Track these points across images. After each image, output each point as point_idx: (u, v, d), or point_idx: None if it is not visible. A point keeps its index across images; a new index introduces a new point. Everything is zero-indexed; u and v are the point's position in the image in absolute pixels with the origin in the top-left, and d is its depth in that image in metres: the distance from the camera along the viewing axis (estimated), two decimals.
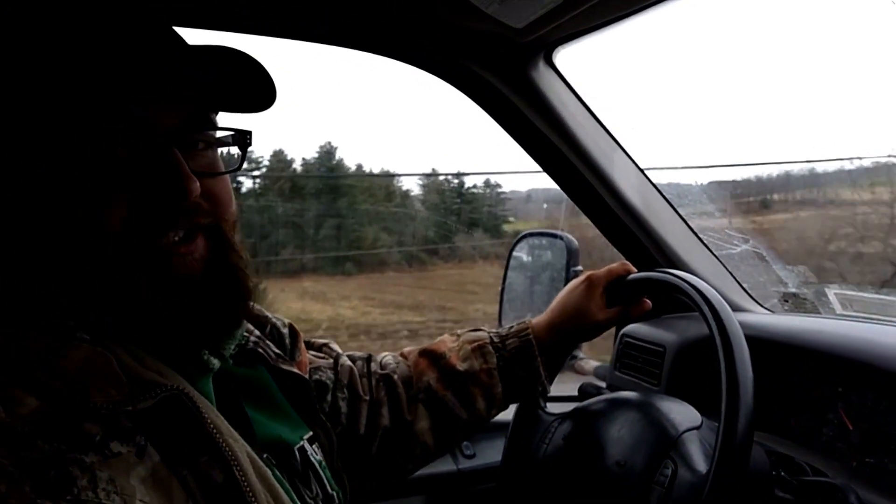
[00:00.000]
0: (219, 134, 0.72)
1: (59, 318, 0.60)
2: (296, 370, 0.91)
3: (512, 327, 1.14)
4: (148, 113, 0.63)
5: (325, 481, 0.83)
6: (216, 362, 0.71)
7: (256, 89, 0.71)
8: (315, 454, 0.84)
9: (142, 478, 0.55)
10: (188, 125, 0.66)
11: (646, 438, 0.95)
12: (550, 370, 1.12)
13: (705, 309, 0.92)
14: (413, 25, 1.21)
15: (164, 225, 0.63)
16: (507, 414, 1.18)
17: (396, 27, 1.21)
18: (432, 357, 1.12)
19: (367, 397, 1.07)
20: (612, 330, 1.57)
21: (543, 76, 1.33)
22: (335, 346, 1.13)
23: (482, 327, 1.18)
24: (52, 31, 0.62)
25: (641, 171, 1.45)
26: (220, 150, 0.73)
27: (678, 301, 1.01)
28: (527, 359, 1.09)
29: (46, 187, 0.61)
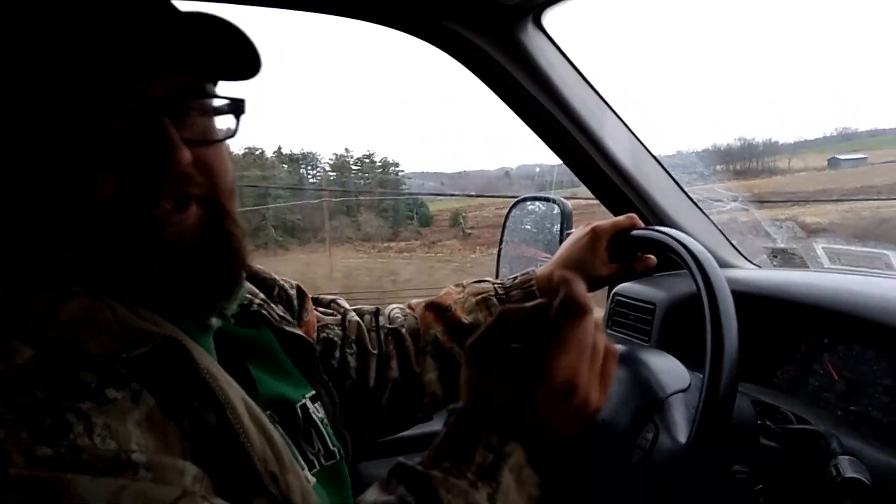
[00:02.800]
0: (215, 103, 0.72)
1: (55, 272, 0.62)
2: (300, 332, 0.93)
3: (516, 278, 1.15)
4: (136, 83, 0.63)
5: (327, 438, 0.85)
6: (215, 321, 0.73)
7: (241, 57, 0.71)
8: (317, 412, 0.87)
9: (137, 421, 0.56)
10: (179, 94, 0.67)
11: (632, 399, 0.96)
12: None
13: (692, 264, 0.94)
14: None
15: (153, 194, 0.64)
16: None
17: None
18: (438, 310, 1.13)
19: (376, 351, 1.08)
20: (605, 290, 1.60)
21: (532, 38, 1.33)
22: (343, 303, 1.15)
23: (487, 278, 1.19)
24: (41, 7, 0.62)
25: (632, 132, 1.46)
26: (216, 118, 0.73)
27: (669, 259, 1.03)
28: None
29: (40, 157, 0.62)
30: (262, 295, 0.93)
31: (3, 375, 0.53)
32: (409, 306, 1.17)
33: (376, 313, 1.15)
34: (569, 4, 1.28)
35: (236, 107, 0.73)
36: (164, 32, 0.66)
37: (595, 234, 1.13)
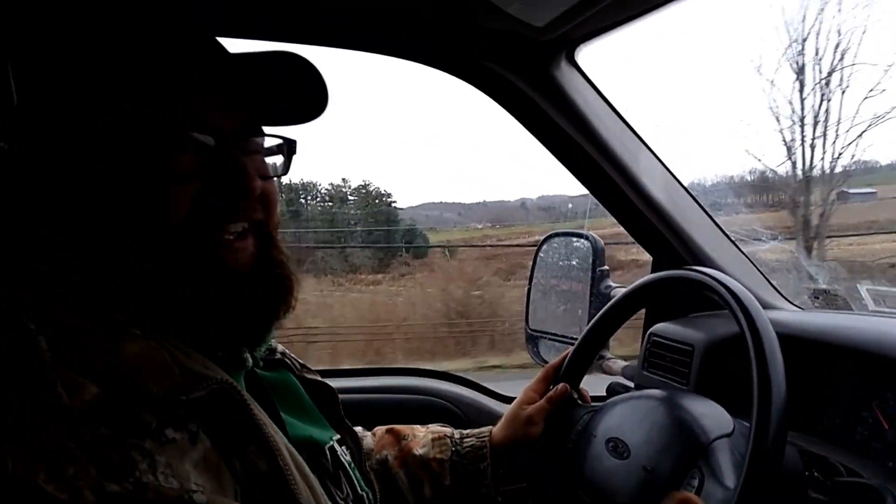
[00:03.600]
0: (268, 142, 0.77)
1: (109, 312, 0.63)
2: (320, 379, 0.95)
3: (475, 431, 1.17)
4: (212, 115, 0.68)
5: (356, 482, 0.84)
6: (250, 360, 0.75)
7: (309, 100, 0.77)
8: (345, 455, 0.85)
9: (194, 462, 0.57)
10: (246, 130, 0.72)
11: (674, 444, 0.93)
12: (503, 474, 1.12)
13: (735, 306, 0.91)
14: (433, 27, 1.21)
15: (225, 219, 0.69)
16: None
17: (417, 29, 1.22)
18: (397, 436, 1.16)
19: None
20: (641, 329, 1.56)
21: (566, 75, 1.32)
22: None
23: (448, 429, 1.20)
24: (126, 46, 0.66)
25: (667, 168, 1.44)
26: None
27: (706, 299, 1.00)
28: (478, 458, 1.11)
29: (122, 183, 0.64)
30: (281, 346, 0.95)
31: (69, 411, 0.53)
32: (373, 431, 1.19)
33: None
34: (603, 41, 1.28)
35: (289, 146, 0.78)
36: (240, 69, 0.71)
37: (527, 397, 1.17)
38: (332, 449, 0.83)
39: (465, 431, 1.17)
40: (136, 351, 0.60)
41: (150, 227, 0.65)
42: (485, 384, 1.84)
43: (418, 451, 1.12)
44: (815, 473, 0.94)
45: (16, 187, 0.67)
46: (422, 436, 1.15)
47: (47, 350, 0.56)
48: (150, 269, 0.65)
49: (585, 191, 1.51)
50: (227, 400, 0.63)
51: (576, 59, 1.32)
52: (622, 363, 1.52)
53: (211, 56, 0.71)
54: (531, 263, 1.82)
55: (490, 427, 1.17)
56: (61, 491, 0.48)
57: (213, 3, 1.07)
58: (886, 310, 1.37)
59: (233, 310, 0.69)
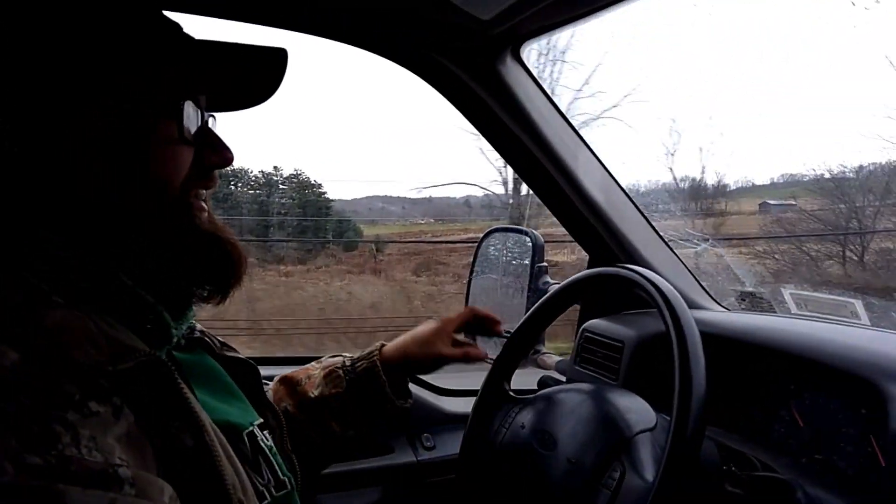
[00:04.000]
0: None
1: (32, 280, 0.62)
2: (242, 356, 0.93)
3: (364, 350, 1.18)
4: (198, 100, 0.73)
5: (277, 467, 0.82)
6: (176, 335, 0.75)
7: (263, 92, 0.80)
8: (266, 440, 0.83)
9: (117, 437, 0.55)
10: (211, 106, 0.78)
11: (599, 437, 0.95)
12: (398, 390, 1.14)
13: (661, 304, 0.93)
14: (381, 15, 1.20)
15: (203, 185, 0.75)
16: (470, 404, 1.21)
17: (365, 16, 1.20)
18: (291, 384, 1.15)
19: None
20: (574, 325, 1.59)
21: (511, 70, 1.33)
22: None
23: (343, 353, 1.20)
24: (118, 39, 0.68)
25: (606, 168, 1.46)
26: None
27: (638, 297, 1.02)
28: (371, 378, 1.11)
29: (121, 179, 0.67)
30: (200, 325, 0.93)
31: None
32: (270, 386, 1.19)
33: None
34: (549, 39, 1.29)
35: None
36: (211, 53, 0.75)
37: (443, 322, 1.18)
38: (251, 434, 0.81)
39: (356, 356, 1.16)
40: (60, 319, 0.58)
41: (153, 193, 0.68)
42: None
43: (313, 393, 1.11)
44: (733, 468, 0.98)
45: (16, 187, 0.65)
46: (316, 374, 1.14)
47: None
48: (148, 259, 0.69)
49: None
50: (153, 374, 0.62)
51: (521, 55, 1.33)
52: (556, 358, 1.54)
53: (201, 52, 0.74)
54: (472, 258, 1.83)
55: (381, 343, 1.17)
56: None
57: None
58: (807, 313, 1.43)
59: (200, 268, 0.73)
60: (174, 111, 0.70)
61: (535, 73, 1.36)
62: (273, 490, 0.80)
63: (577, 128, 1.42)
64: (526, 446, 1.02)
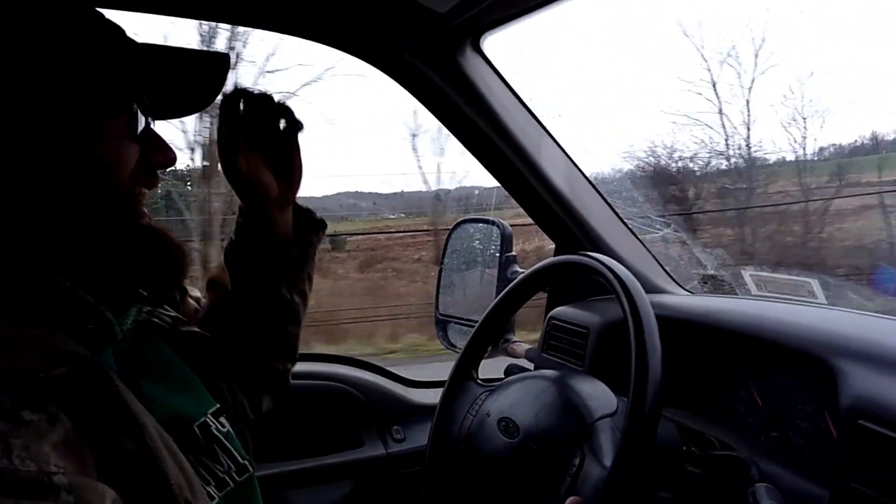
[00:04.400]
0: None
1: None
2: (195, 329, 0.93)
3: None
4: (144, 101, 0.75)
5: (235, 452, 0.82)
6: (121, 331, 0.73)
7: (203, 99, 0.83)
8: (221, 427, 0.83)
9: (53, 444, 0.54)
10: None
11: (560, 424, 0.96)
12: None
13: (618, 289, 0.95)
14: (339, 8, 1.20)
15: (150, 183, 0.76)
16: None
17: (322, 9, 1.20)
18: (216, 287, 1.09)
19: None
20: (542, 312, 1.61)
21: (471, 62, 1.33)
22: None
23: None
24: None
25: (568, 156, 1.47)
26: None
27: (599, 283, 1.04)
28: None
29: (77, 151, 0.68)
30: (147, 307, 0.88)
31: None
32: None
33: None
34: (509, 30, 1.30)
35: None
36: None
37: None
38: (203, 425, 0.81)
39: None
40: None
41: (103, 188, 0.70)
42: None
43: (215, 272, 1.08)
44: (692, 448, 1.00)
45: (16, 187, 0.66)
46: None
47: None
48: (90, 258, 0.69)
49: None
50: (90, 378, 0.61)
51: (481, 46, 1.34)
52: (525, 346, 1.56)
53: (146, 54, 0.76)
54: (442, 250, 1.84)
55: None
56: None
57: None
58: (767, 294, 1.46)
59: (143, 266, 0.74)
60: (125, 108, 0.71)
61: (496, 65, 1.37)
62: (235, 476, 0.80)
63: (539, 118, 1.43)
64: (491, 434, 1.03)
